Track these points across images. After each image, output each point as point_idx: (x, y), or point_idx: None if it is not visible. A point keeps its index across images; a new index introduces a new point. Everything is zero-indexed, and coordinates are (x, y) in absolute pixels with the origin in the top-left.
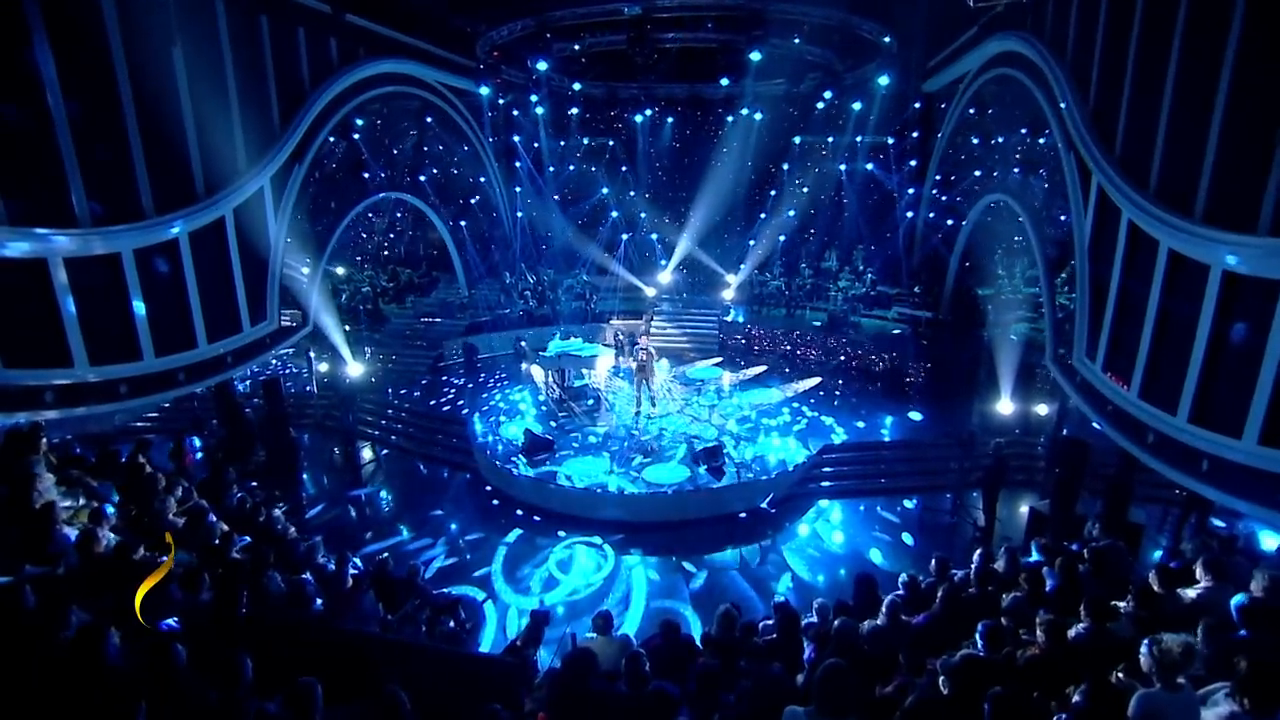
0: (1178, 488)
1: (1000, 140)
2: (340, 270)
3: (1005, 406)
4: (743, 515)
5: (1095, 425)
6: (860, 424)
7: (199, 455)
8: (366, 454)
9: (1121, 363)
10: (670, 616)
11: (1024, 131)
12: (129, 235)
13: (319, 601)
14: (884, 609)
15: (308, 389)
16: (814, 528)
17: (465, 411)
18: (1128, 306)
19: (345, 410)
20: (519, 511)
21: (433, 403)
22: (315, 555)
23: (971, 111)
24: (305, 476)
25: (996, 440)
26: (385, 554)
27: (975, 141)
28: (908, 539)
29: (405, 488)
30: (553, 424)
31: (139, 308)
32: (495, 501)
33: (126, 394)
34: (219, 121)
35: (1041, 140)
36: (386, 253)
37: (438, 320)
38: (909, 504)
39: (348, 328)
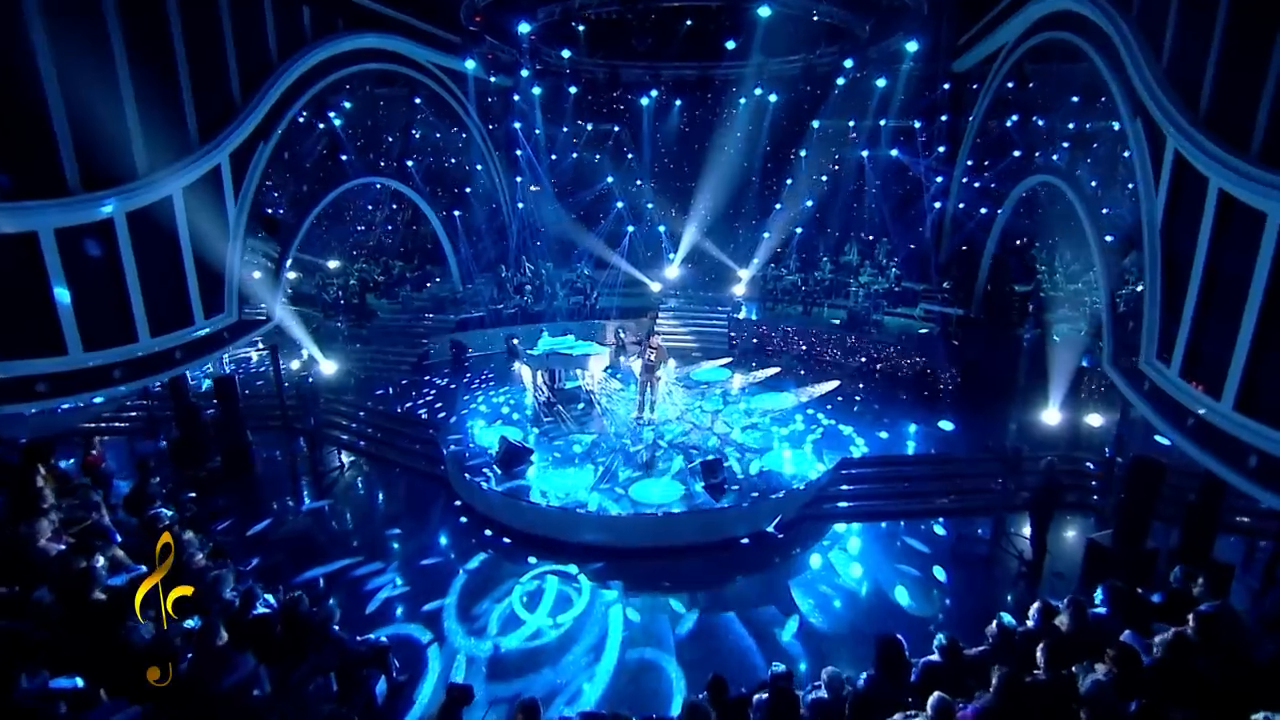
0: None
1: (1043, 117)
2: (333, 264)
3: (1051, 416)
4: (745, 541)
5: (1161, 440)
6: (883, 434)
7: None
8: (333, 460)
9: (1208, 367)
10: (650, 670)
11: (1075, 100)
12: (48, 213)
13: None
14: (929, 710)
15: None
16: (828, 558)
17: (442, 415)
18: (1217, 297)
19: (307, 412)
20: (487, 531)
21: (409, 405)
22: (221, 589)
23: (1010, 86)
24: (260, 485)
25: (1048, 457)
26: (299, 592)
27: (1014, 120)
28: (939, 573)
29: (367, 500)
30: (535, 430)
31: (62, 295)
32: (463, 519)
33: (47, 392)
34: (163, 91)
35: (1093, 117)
36: (373, 245)
37: (430, 316)
38: (940, 530)
39: (339, 324)
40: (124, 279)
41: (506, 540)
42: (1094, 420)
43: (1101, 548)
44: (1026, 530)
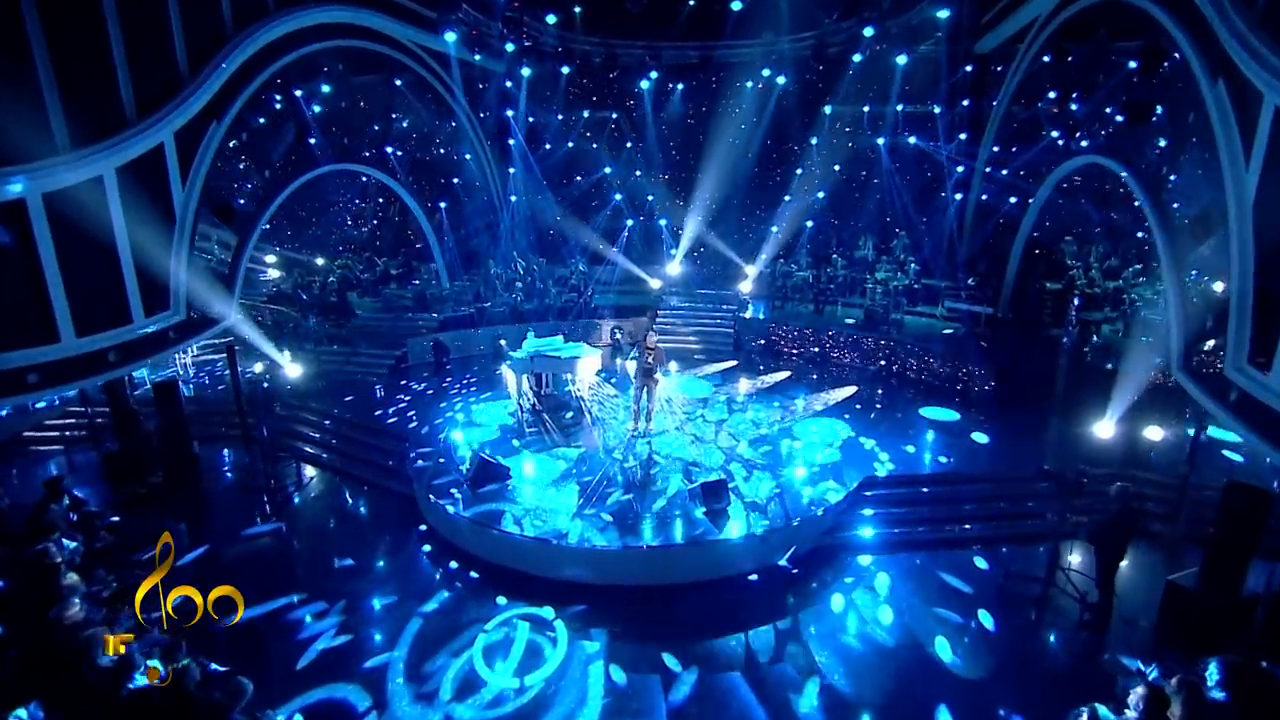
0: None
1: (1085, 95)
2: (320, 260)
3: (1105, 430)
4: (753, 578)
5: (1232, 456)
6: (910, 448)
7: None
8: (291, 475)
9: None
10: None
11: (1132, 66)
12: None
13: None
14: None
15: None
16: (851, 599)
17: (414, 424)
18: None
19: (259, 421)
20: (453, 563)
21: (378, 412)
22: (94, 654)
23: (1046, 60)
24: (204, 505)
25: (1121, 484)
26: (187, 660)
27: (1051, 98)
28: (986, 620)
29: (323, 523)
30: (516, 443)
31: None
32: (428, 547)
33: None
34: (88, 58)
35: (1149, 90)
36: (360, 240)
37: (422, 316)
38: (981, 563)
39: (312, 323)
40: (41, 270)
41: (474, 575)
42: (1153, 434)
43: (1184, 592)
44: (1075, 558)
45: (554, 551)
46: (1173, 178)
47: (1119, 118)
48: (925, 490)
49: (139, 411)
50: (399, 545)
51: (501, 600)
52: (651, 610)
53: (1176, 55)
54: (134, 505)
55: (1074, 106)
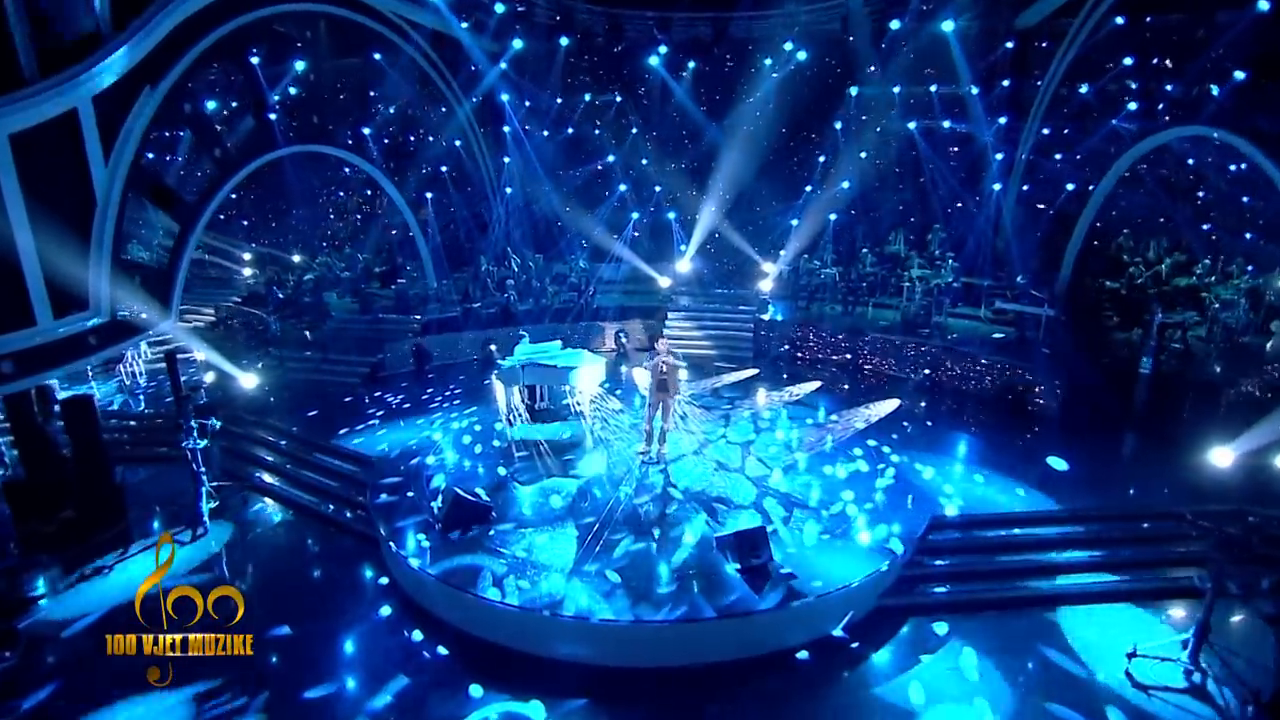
0: None
1: (1163, 60)
2: (297, 258)
3: (1223, 457)
4: (802, 655)
5: None
6: (979, 477)
7: None
8: (234, 508)
9: None
10: None
11: (1260, 12)
12: None
13: None
14: None
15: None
16: (931, 687)
17: (383, 447)
18: None
19: (191, 442)
20: (417, 634)
21: (344, 430)
22: None
23: (1119, 22)
24: (122, 546)
25: None
26: None
27: (1127, 64)
28: None
29: (264, 575)
30: (501, 471)
31: None
32: (387, 610)
33: None
34: None
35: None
36: (345, 235)
37: (403, 318)
38: (1092, 633)
39: (275, 325)
40: None
41: (442, 651)
42: None
43: None
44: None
45: (545, 624)
46: None
47: (1238, 75)
48: (1007, 534)
49: (51, 432)
50: (353, 606)
51: (476, 691)
52: (673, 703)
53: None
54: (37, 547)
55: (1167, 62)
